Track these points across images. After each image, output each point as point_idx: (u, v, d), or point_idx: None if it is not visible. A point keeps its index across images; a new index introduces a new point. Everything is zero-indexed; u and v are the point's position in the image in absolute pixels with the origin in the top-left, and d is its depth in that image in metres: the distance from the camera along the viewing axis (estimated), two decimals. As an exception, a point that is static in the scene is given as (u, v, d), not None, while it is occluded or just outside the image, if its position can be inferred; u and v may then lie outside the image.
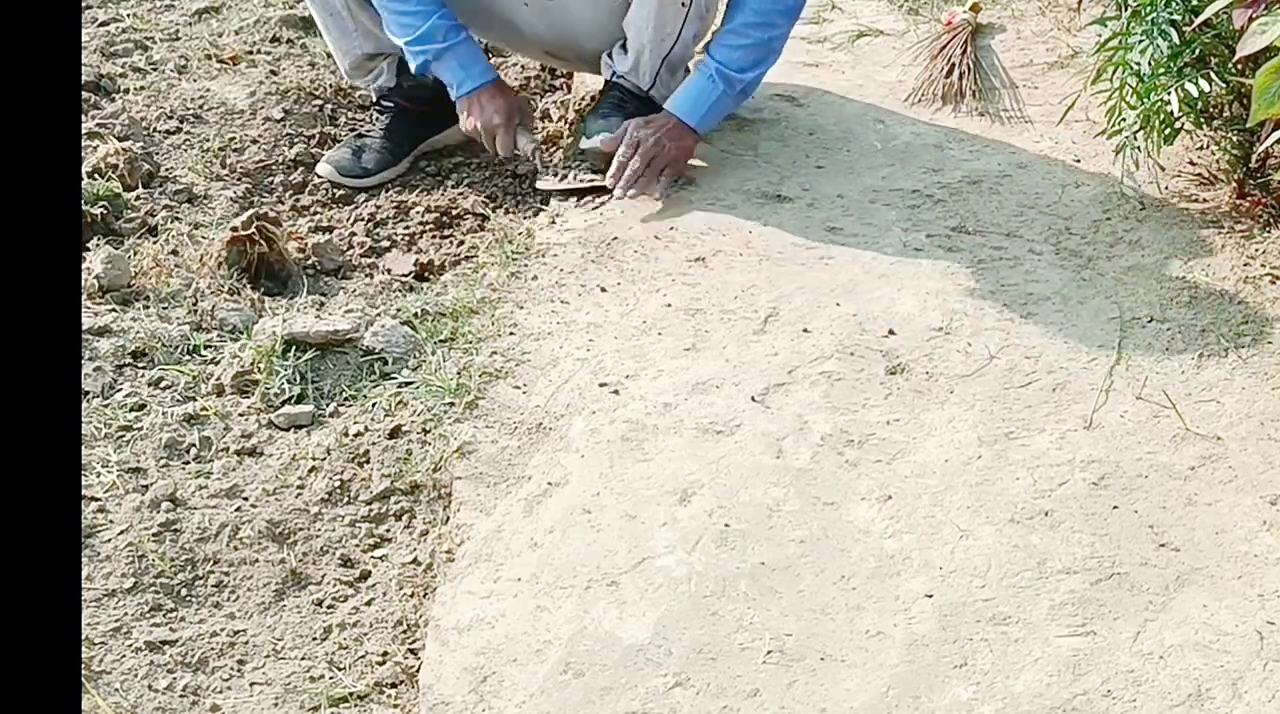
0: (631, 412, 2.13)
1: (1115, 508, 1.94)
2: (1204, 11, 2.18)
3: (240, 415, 2.18)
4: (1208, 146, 2.66)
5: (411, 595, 1.91)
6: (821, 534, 1.91)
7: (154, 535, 1.95)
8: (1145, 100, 2.47)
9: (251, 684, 1.78)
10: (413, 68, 2.73)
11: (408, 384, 2.23)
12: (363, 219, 2.70)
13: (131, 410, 2.18)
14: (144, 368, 2.25)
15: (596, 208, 2.65)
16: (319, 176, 2.81)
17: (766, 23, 2.72)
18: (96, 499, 2.01)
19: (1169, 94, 2.44)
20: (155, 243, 2.56)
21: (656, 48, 2.72)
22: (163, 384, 2.22)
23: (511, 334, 2.34)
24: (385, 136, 2.85)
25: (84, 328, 2.29)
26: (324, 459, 2.10)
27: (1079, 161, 2.76)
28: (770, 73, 3.08)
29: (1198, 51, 2.44)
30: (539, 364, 2.26)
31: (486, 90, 2.75)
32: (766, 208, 2.63)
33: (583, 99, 3.06)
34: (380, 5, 2.70)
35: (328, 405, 2.21)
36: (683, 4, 2.68)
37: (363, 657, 1.82)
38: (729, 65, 2.71)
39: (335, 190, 2.80)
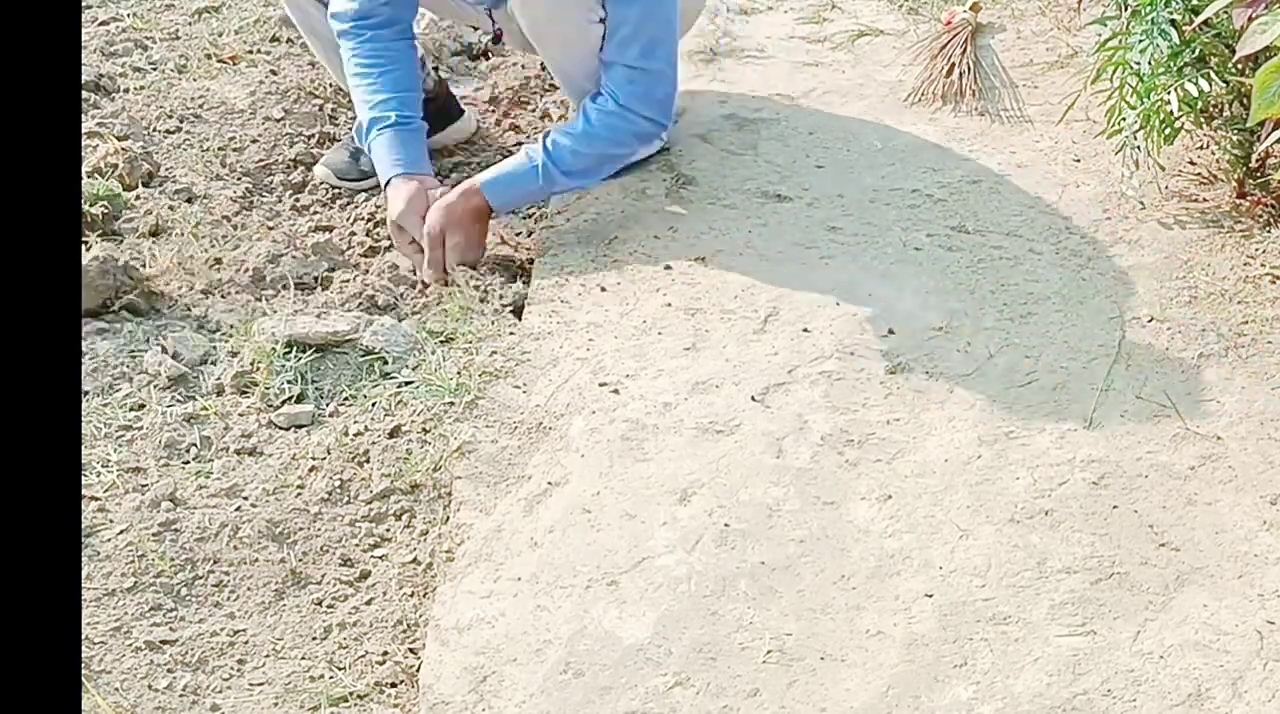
0: (631, 411, 2.13)
1: (1115, 507, 1.94)
2: (1204, 11, 2.18)
3: (240, 415, 2.18)
4: (1208, 146, 2.66)
5: (411, 595, 1.91)
6: (821, 534, 1.91)
7: (154, 535, 1.95)
8: (1145, 100, 2.47)
9: (251, 684, 1.78)
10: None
11: (407, 384, 2.23)
12: (363, 218, 2.70)
13: (131, 410, 2.18)
14: (144, 368, 2.25)
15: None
16: (316, 179, 2.81)
17: (617, 139, 2.61)
18: (96, 499, 2.01)
19: (1169, 94, 2.44)
20: (155, 242, 2.56)
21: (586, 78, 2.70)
22: (163, 384, 2.22)
23: (511, 333, 2.34)
24: None
25: (84, 328, 2.29)
26: (324, 459, 2.10)
27: (1079, 161, 2.76)
28: (770, 73, 3.09)
29: (1198, 51, 2.44)
30: (539, 364, 2.26)
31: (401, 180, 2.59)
32: (766, 207, 2.63)
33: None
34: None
35: (328, 405, 2.21)
36: (585, 57, 2.60)
37: (363, 656, 1.82)
38: (559, 164, 2.56)
39: (335, 189, 2.80)
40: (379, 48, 2.64)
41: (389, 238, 2.62)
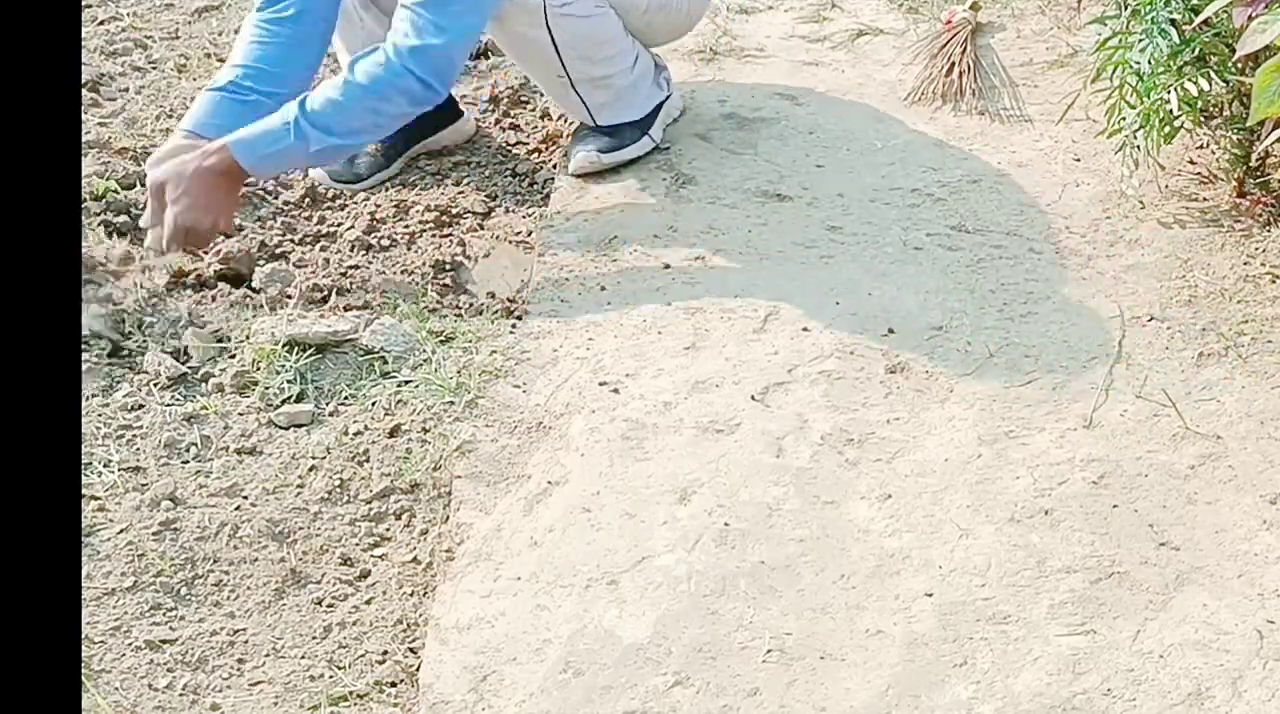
0: (631, 410, 2.13)
1: (1115, 507, 1.94)
2: (1204, 10, 2.18)
3: (240, 415, 2.18)
4: (1207, 145, 2.66)
5: (411, 594, 1.91)
6: (821, 533, 1.91)
7: (154, 534, 1.95)
8: (1145, 99, 2.47)
9: (251, 683, 1.78)
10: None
11: (407, 383, 2.23)
12: (363, 218, 2.70)
13: (131, 410, 2.18)
14: (144, 368, 2.25)
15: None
16: (312, 180, 2.80)
17: (379, 92, 2.38)
18: (96, 498, 2.01)
19: (1169, 93, 2.44)
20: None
21: (558, 95, 2.70)
22: (163, 384, 2.22)
23: (511, 332, 2.34)
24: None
25: (84, 327, 2.29)
26: (324, 458, 2.10)
27: (1079, 160, 2.76)
28: (770, 72, 3.09)
29: (1197, 50, 2.44)
30: (539, 363, 2.26)
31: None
32: (766, 207, 2.63)
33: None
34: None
35: (327, 404, 2.21)
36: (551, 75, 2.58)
37: (362, 655, 1.82)
38: (314, 120, 2.35)
39: (335, 188, 2.79)
40: (265, 26, 2.54)
41: (389, 237, 2.62)
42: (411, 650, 1.82)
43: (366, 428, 2.15)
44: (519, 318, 2.39)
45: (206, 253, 2.44)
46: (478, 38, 2.58)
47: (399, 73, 2.39)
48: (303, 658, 1.82)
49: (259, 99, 2.48)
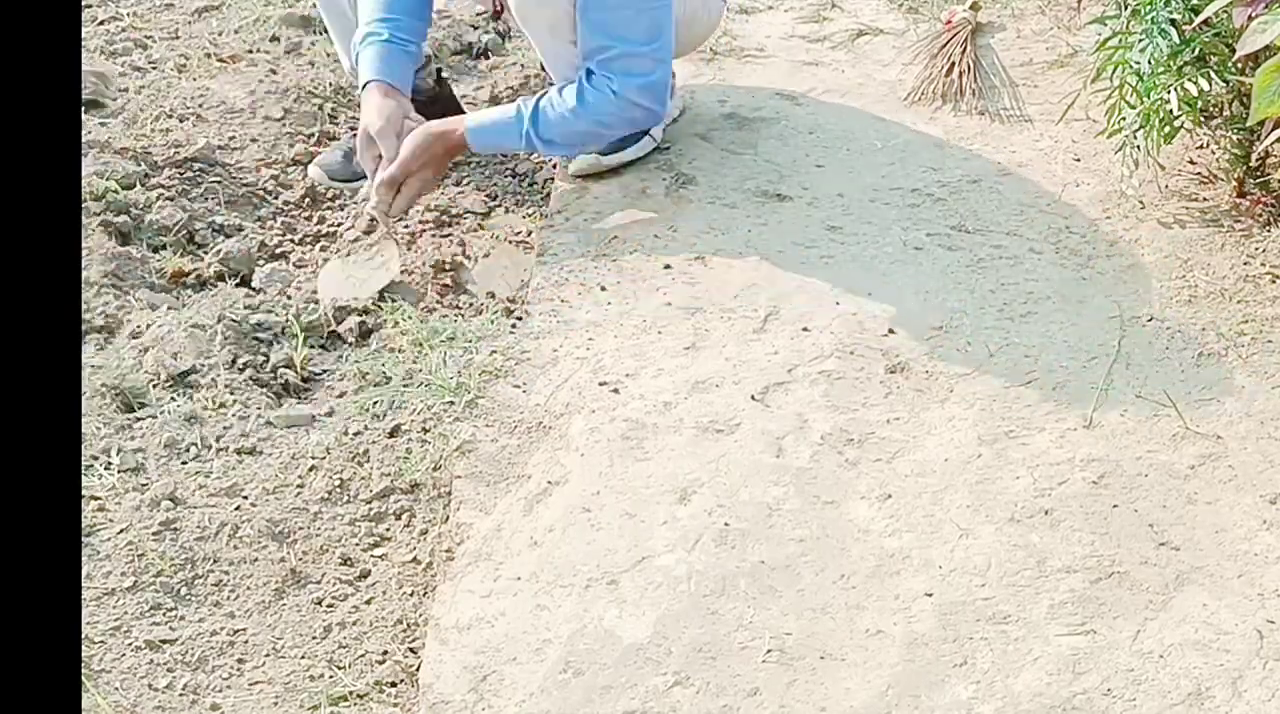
0: (631, 410, 2.13)
1: (1115, 507, 1.94)
2: (1204, 10, 2.18)
3: (240, 415, 2.18)
4: (1207, 145, 2.66)
5: (411, 594, 1.91)
6: (821, 533, 1.91)
7: (154, 534, 1.95)
8: (1145, 99, 2.47)
9: (251, 683, 1.78)
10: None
11: (407, 383, 2.23)
12: (362, 217, 2.70)
13: (131, 410, 2.18)
14: (144, 368, 2.25)
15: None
16: (312, 180, 2.81)
17: (607, 123, 2.63)
18: (96, 498, 2.01)
19: (1169, 93, 2.44)
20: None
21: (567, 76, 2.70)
22: (163, 384, 2.22)
23: (511, 332, 2.34)
24: None
25: (84, 327, 2.29)
26: (323, 458, 2.10)
27: (1079, 160, 2.76)
28: (770, 72, 3.09)
29: (1197, 50, 2.44)
30: (539, 363, 2.26)
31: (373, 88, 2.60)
32: (766, 206, 2.63)
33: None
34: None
35: (327, 404, 2.21)
36: (571, 41, 2.61)
37: (362, 655, 1.82)
38: (542, 133, 2.59)
39: (335, 188, 2.79)
40: None
41: (388, 237, 2.62)
42: (411, 650, 1.82)
43: (366, 428, 2.15)
44: (519, 318, 2.39)
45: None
46: (673, 52, 2.69)
47: (626, 106, 2.59)
48: (303, 658, 1.82)
49: (415, 48, 2.67)
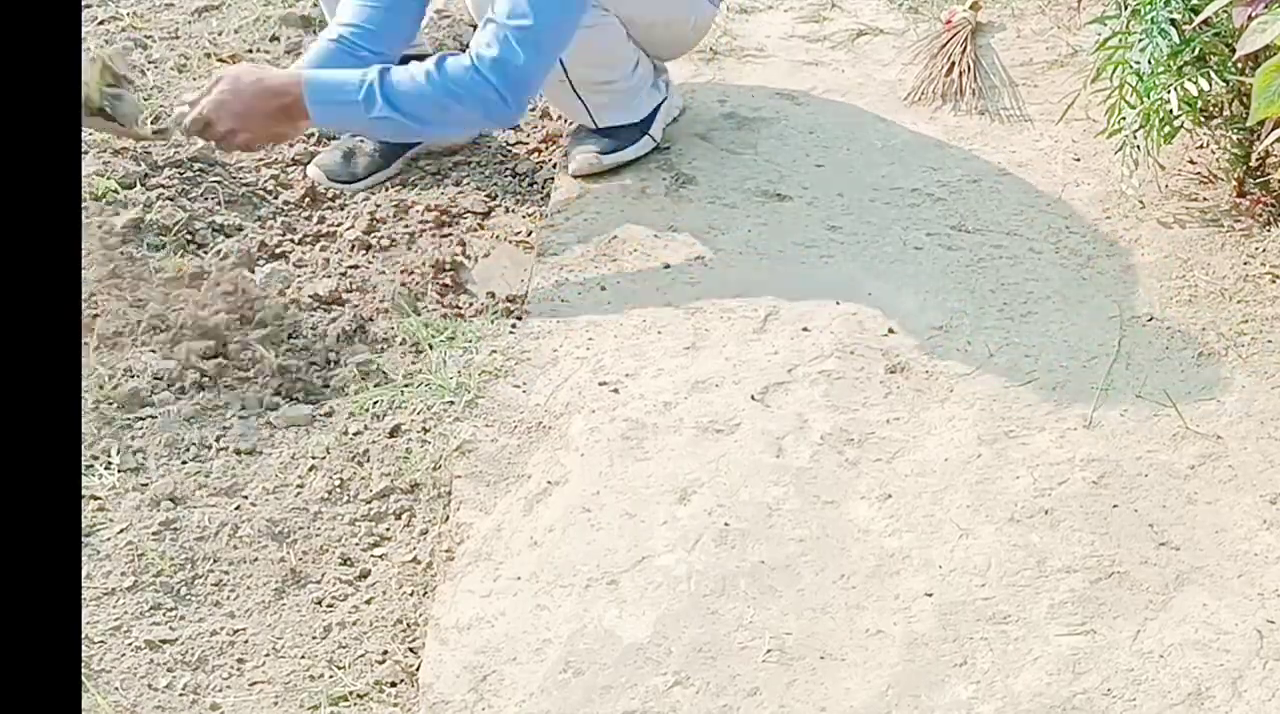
0: (631, 410, 2.13)
1: (1115, 507, 1.94)
2: (1204, 10, 2.18)
3: (240, 415, 2.18)
4: (1207, 145, 2.66)
5: (411, 594, 1.91)
6: (821, 533, 1.91)
7: (154, 534, 1.95)
8: (1145, 99, 2.47)
9: (251, 683, 1.78)
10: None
11: (408, 383, 2.23)
12: (363, 218, 2.70)
13: (131, 410, 2.17)
14: (145, 367, 2.24)
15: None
16: (312, 180, 2.80)
17: (458, 95, 2.38)
18: (97, 498, 2.01)
19: (1169, 93, 2.44)
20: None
21: (558, 98, 2.70)
22: (163, 383, 2.22)
23: (511, 332, 2.34)
24: (377, 139, 2.83)
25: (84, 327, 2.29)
26: (323, 458, 2.10)
27: (1079, 160, 2.76)
28: (770, 72, 3.09)
29: (1197, 50, 2.44)
30: (539, 363, 2.26)
31: None
32: (766, 206, 2.63)
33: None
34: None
35: (327, 404, 2.21)
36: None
37: (362, 655, 1.82)
38: (387, 91, 2.36)
39: (334, 188, 2.79)
40: None
41: (389, 236, 2.62)
42: (411, 650, 1.82)
43: (366, 427, 2.15)
44: (519, 318, 2.39)
45: (226, 155, 2.48)
46: (554, 63, 2.53)
47: (479, 82, 2.39)
48: (303, 658, 1.82)
49: (368, 56, 2.53)
